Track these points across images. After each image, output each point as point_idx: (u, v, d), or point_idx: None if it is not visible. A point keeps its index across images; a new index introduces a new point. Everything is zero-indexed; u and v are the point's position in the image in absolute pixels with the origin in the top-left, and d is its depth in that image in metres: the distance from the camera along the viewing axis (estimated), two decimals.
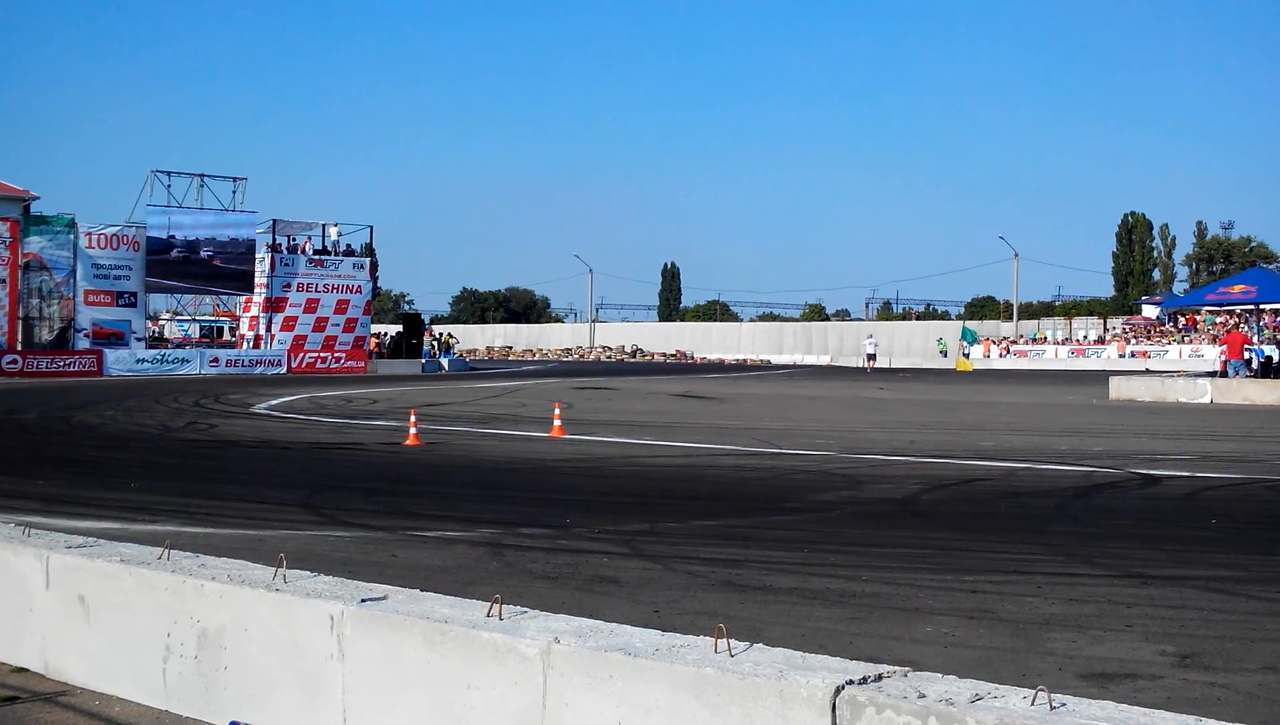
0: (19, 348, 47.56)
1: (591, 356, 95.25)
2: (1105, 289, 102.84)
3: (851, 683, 3.68)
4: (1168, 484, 14.32)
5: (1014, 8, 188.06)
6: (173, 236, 51.75)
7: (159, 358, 50.84)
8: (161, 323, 68.05)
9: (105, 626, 5.84)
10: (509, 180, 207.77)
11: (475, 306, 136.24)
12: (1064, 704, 3.49)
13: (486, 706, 4.40)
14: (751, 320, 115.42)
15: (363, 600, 4.94)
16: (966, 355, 75.30)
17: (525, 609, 4.76)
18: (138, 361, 49.58)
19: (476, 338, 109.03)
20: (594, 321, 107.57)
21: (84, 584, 5.97)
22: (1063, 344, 77.45)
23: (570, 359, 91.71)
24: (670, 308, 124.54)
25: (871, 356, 68.57)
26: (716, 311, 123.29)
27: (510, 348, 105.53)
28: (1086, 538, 10.52)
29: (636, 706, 4.03)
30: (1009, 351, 76.95)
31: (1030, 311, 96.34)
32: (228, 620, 5.30)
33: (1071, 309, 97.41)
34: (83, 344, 49.13)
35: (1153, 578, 8.61)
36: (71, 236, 49.28)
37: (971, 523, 11.46)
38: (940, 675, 3.82)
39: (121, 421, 24.41)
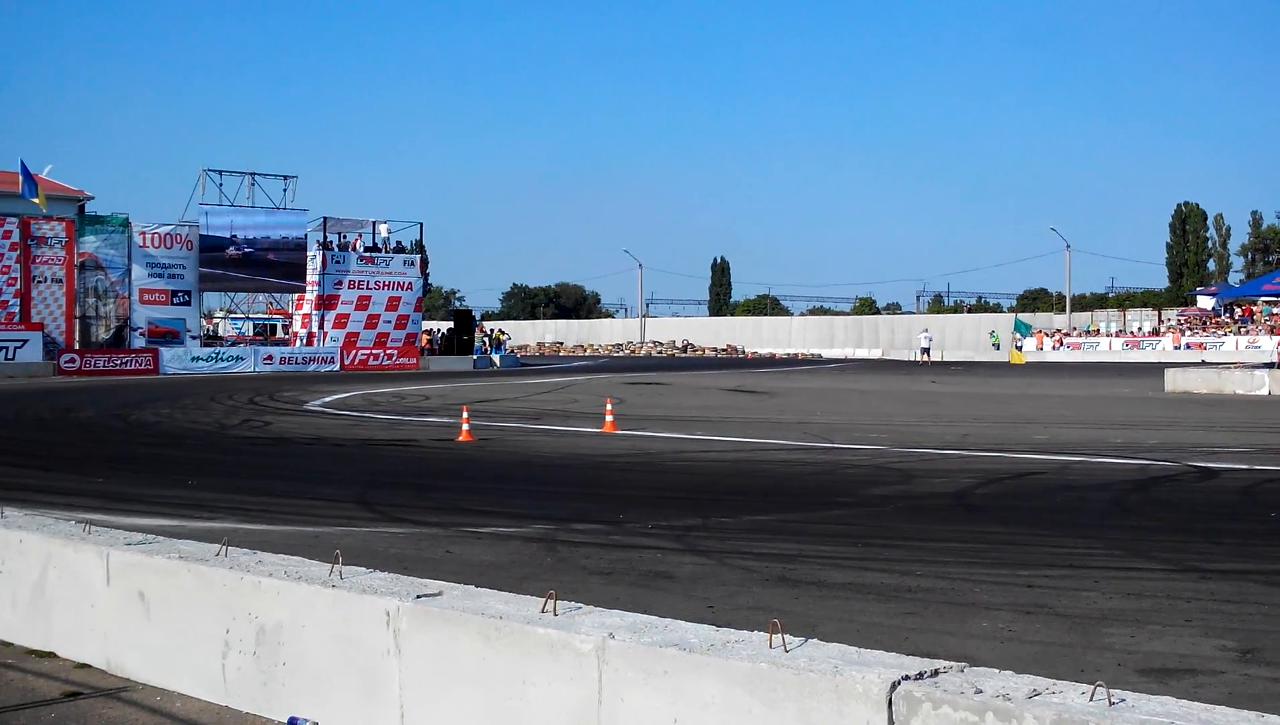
0: (76, 346, 48.13)
1: (642, 352, 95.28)
2: (1159, 280, 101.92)
3: (908, 678, 3.67)
4: (1225, 477, 14.17)
5: (1066, 1, 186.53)
6: (226, 235, 52.15)
7: (213, 356, 51.28)
8: (215, 321, 68.72)
9: (165, 623, 5.90)
10: (559, 176, 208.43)
11: (526, 302, 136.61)
12: (1123, 699, 3.46)
13: (542, 702, 4.41)
14: (802, 314, 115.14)
15: (418, 596, 4.96)
16: (1020, 347, 74.78)
17: (580, 605, 4.77)
18: (193, 359, 50.04)
19: (527, 334, 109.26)
20: (644, 317, 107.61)
21: (144, 581, 6.03)
22: (1116, 336, 76.77)
23: (621, 354, 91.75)
24: (720, 302, 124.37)
25: (926, 350, 68.21)
26: (767, 306, 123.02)
27: (561, 343, 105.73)
28: (1143, 532, 10.42)
29: (692, 702, 4.03)
30: (1062, 344, 76.39)
31: (1083, 303, 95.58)
32: (285, 616, 5.34)
33: (1125, 301, 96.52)
34: (138, 342, 49.63)
35: (1211, 572, 8.53)
36: (126, 236, 49.76)
37: (1026, 517, 11.39)
38: (997, 670, 3.79)
39: (178, 419, 24.65)
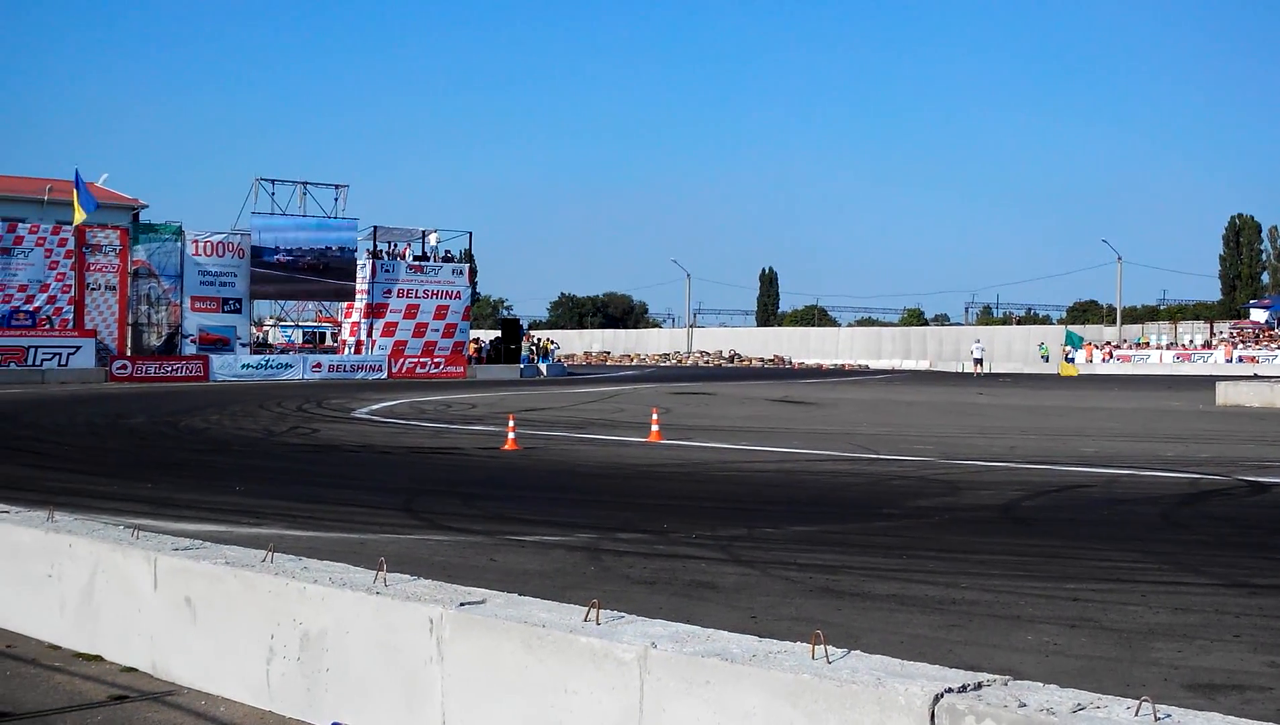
0: (128, 353, 48.62)
1: (689, 361, 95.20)
2: (1212, 292, 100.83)
3: (950, 691, 3.64)
4: (1277, 492, 14.01)
5: (1117, 10, 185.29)
6: (277, 244, 52.54)
7: (263, 363, 51.68)
8: (265, 328, 69.23)
9: (211, 627, 5.94)
10: (607, 185, 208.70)
11: (573, 312, 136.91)
12: (1169, 715, 3.43)
13: (583, 710, 4.41)
14: (849, 325, 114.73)
15: (461, 604, 4.98)
16: (1070, 360, 74.24)
17: (622, 614, 4.77)
18: (242, 367, 50.47)
19: (574, 343, 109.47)
20: (691, 327, 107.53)
21: (190, 586, 6.08)
22: (1168, 349, 76.00)
23: (668, 364, 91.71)
24: (768, 313, 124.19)
25: (979, 361, 67.82)
26: (814, 316, 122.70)
27: (608, 353, 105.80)
28: (1192, 546, 10.32)
29: (733, 712, 4.02)
30: (1112, 356, 75.75)
31: (1134, 316, 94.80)
32: (330, 622, 5.37)
33: (1177, 313, 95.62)
34: (189, 349, 50.10)
35: (1261, 587, 8.43)
36: (179, 244, 50.28)
37: (1073, 530, 11.29)
38: (1041, 684, 3.77)
39: (226, 426, 24.84)
